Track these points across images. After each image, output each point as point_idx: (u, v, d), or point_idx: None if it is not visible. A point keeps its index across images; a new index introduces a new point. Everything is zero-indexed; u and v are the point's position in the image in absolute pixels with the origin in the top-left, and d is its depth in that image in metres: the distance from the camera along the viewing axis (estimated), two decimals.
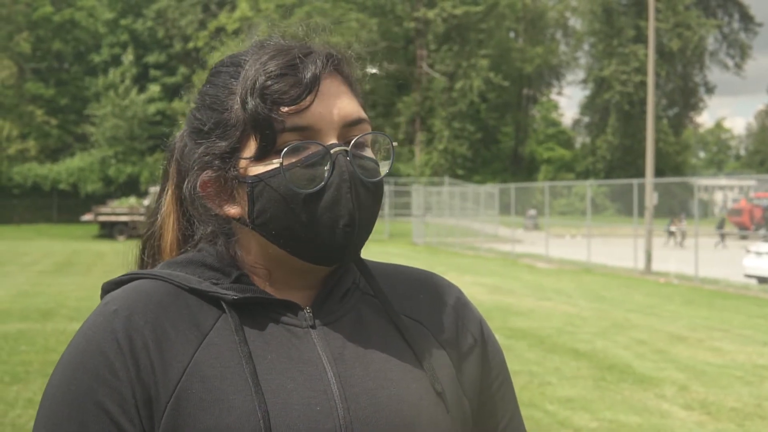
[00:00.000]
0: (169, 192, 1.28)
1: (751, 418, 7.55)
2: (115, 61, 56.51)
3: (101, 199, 44.82)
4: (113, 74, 51.96)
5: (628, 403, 8.00)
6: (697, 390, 8.53)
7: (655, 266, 22.37)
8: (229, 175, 1.13)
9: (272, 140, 1.09)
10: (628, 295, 17.07)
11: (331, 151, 1.09)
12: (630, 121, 57.20)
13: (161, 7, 60.36)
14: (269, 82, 1.09)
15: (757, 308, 15.31)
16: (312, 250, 1.11)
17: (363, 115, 1.14)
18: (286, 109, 1.08)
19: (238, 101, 1.11)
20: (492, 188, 37.32)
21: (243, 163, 1.11)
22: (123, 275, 1.18)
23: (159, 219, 1.28)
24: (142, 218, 37.81)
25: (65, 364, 1.10)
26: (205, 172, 1.14)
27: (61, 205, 48.42)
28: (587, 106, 63.87)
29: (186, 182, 1.17)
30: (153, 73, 59.58)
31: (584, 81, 63.82)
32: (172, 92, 58.36)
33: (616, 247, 26.14)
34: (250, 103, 1.09)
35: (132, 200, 39.65)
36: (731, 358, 10.24)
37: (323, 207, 1.08)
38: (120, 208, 38.14)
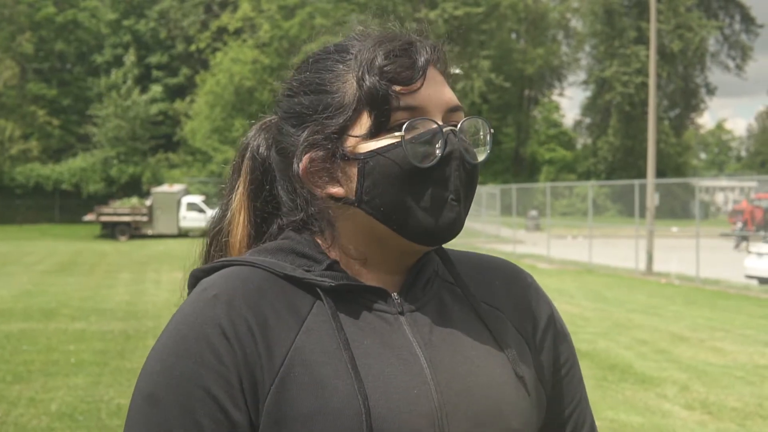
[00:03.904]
0: (240, 188, 1.30)
1: (752, 417, 7.57)
2: (118, 61, 56.60)
3: (103, 199, 44.85)
4: (115, 75, 52.03)
5: (630, 402, 8.01)
6: (699, 390, 8.55)
7: (657, 267, 22.39)
8: (337, 153, 1.16)
9: (387, 117, 1.13)
10: (629, 296, 17.08)
11: (444, 130, 1.14)
12: (631, 122, 57.15)
13: (163, 8, 60.43)
14: (386, 61, 1.14)
15: (758, 309, 15.32)
16: (419, 226, 1.15)
17: (460, 102, 1.20)
18: (398, 88, 1.13)
19: (352, 81, 1.16)
20: (493, 189, 37.34)
21: (352, 141, 1.15)
22: (215, 262, 1.20)
23: (228, 215, 1.31)
24: (144, 218, 37.88)
25: (166, 351, 1.10)
26: (307, 155, 1.18)
27: (63, 206, 48.45)
28: (588, 107, 63.76)
29: (293, 164, 1.19)
30: (155, 73, 59.73)
31: (585, 82, 63.70)
32: (174, 93, 58.48)
33: (617, 248, 26.15)
34: (368, 81, 1.14)
35: (134, 200, 39.66)
36: (733, 359, 10.26)
37: (435, 181, 1.13)
38: (122, 209, 38.17)
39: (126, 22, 60.26)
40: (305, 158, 1.18)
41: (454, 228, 1.16)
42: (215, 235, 1.33)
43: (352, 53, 1.18)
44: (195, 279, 1.21)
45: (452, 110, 1.17)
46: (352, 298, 1.17)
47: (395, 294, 1.19)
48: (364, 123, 1.14)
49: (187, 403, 1.07)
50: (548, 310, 1.33)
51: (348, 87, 1.16)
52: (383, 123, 1.13)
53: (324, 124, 1.16)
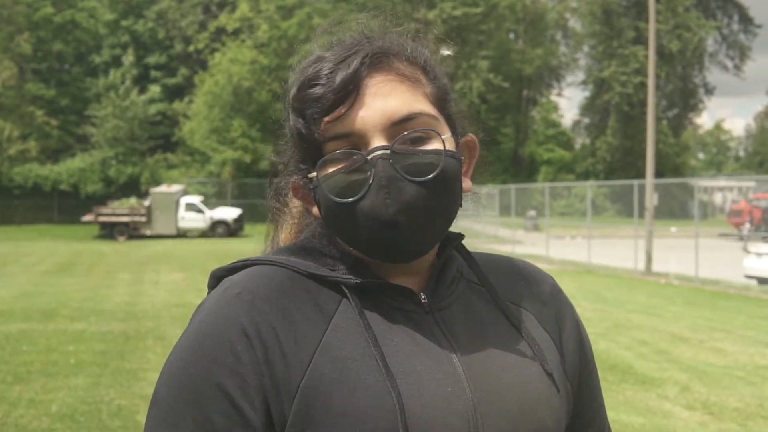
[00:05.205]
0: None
1: (753, 418, 7.56)
2: (116, 62, 56.63)
3: (102, 199, 44.77)
4: (114, 75, 52.04)
5: (631, 403, 8.01)
6: (700, 390, 8.54)
7: (656, 267, 22.38)
8: (304, 179, 1.17)
9: (317, 151, 1.10)
10: (629, 296, 17.07)
11: (369, 158, 1.08)
12: (630, 122, 57.16)
13: (162, 9, 60.47)
14: (301, 95, 1.10)
15: (758, 309, 15.31)
16: (370, 250, 1.13)
17: (415, 109, 1.11)
18: (327, 118, 1.09)
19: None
20: (492, 189, 37.29)
21: (310, 169, 1.15)
22: (235, 262, 1.19)
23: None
24: (142, 219, 37.83)
25: (185, 348, 1.11)
26: (292, 176, 1.19)
27: (61, 206, 48.38)
28: (587, 108, 63.77)
29: (274, 183, 1.22)
30: (153, 74, 59.73)
31: (584, 82, 63.73)
32: (172, 93, 58.46)
33: (616, 248, 26.14)
34: (290, 119, 1.12)
35: (132, 201, 39.59)
36: (733, 359, 10.25)
37: (364, 213, 1.09)
38: (120, 209, 38.11)
39: (124, 23, 60.25)
40: (292, 179, 1.19)
41: (406, 251, 1.12)
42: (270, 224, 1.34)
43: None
44: (216, 279, 1.20)
45: (399, 123, 1.10)
46: (378, 297, 1.15)
47: (421, 294, 1.17)
48: (306, 155, 1.14)
49: (200, 400, 1.06)
50: (572, 312, 1.32)
51: None
52: (317, 155, 1.11)
53: (290, 151, 1.19)
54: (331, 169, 1.10)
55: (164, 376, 1.11)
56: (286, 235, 1.30)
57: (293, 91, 1.11)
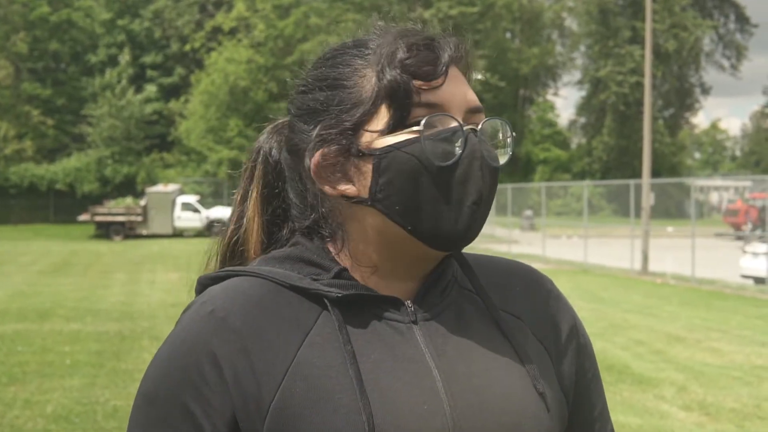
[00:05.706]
0: (254, 194, 1.26)
1: (750, 418, 7.57)
2: (112, 61, 56.52)
3: (98, 199, 44.78)
4: (110, 74, 51.93)
5: (628, 403, 8.00)
6: (696, 391, 8.54)
7: (652, 267, 22.39)
8: (352, 149, 1.11)
9: (407, 112, 1.08)
10: (625, 296, 17.08)
11: (464, 128, 1.09)
12: (626, 121, 57.19)
13: (158, 8, 60.42)
14: (408, 54, 1.10)
15: (755, 309, 15.33)
16: (434, 228, 1.09)
17: (479, 103, 1.15)
18: (420, 83, 1.08)
19: (371, 75, 1.11)
20: None
21: (368, 136, 1.10)
22: (221, 270, 1.17)
23: (244, 223, 1.26)
24: (138, 218, 37.80)
25: (158, 364, 1.11)
26: (320, 151, 1.12)
27: (57, 206, 48.35)
28: (583, 107, 63.75)
29: (305, 160, 1.15)
30: (150, 73, 59.68)
31: (580, 82, 63.74)
32: (168, 92, 58.42)
33: (612, 248, 26.15)
34: (389, 74, 1.09)
35: (128, 200, 39.58)
36: (730, 359, 10.25)
37: (455, 182, 1.08)
38: (116, 209, 38.09)
39: (120, 22, 60.19)
40: (317, 154, 1.12)
41: (472, 232, 1.11)
42: (234, 245, 1.27)
43: (371, 48, 1.13)
44: (202, 286, 1.17)
45: (473, 111, 1.13)
46: (361, 308, 1.11)
47: (408, 302, 1.13)
48: (382, 118, 1.09)
49: (166, 416, 1.07)
50: (571, 319, 1.27)
51: (366, 81, 1.11)
52: (403, 118, 1.08)
53: (339, 119, 1.12)
54: (409, 135, 1.08)
55: (141, 382, 1.12)
56: (255, 243, 1.25)
57: (400, 51, 1.10)
